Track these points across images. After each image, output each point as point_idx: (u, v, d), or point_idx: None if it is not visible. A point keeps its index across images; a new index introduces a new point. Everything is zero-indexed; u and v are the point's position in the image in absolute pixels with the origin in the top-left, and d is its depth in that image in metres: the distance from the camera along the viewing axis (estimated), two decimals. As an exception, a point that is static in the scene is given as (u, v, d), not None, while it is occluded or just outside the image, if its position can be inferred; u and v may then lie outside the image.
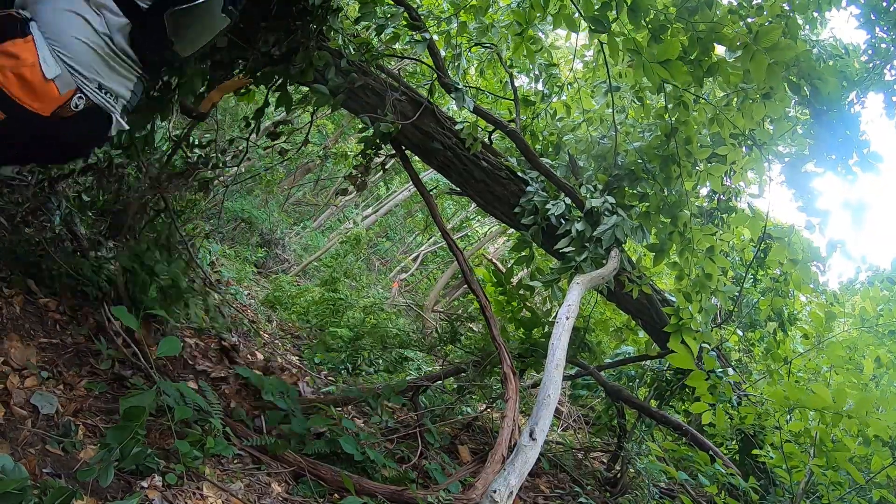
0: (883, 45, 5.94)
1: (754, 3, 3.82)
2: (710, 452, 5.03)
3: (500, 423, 4.05)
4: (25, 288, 3.99)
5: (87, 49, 2.26)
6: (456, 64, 5.33)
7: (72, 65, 2.22)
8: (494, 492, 2.34)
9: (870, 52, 6.05)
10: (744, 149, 4.83)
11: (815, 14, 4.25)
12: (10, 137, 2.22)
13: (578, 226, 4.72)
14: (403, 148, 5.11)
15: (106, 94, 2.35)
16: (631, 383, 6.08)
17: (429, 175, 13.06)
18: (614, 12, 3.85)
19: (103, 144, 2.80)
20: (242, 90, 4.64)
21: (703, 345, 5.22)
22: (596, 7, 3.87)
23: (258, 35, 4.09)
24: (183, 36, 2.48)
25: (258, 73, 4.25)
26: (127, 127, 2.58)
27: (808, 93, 3.89)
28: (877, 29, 5.87)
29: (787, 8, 3.73)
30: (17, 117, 2.13)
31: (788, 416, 4.42)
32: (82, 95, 2.25)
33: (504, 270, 5.94)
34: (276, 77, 4.33)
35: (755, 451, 4.82)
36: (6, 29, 2.11)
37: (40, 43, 2.13)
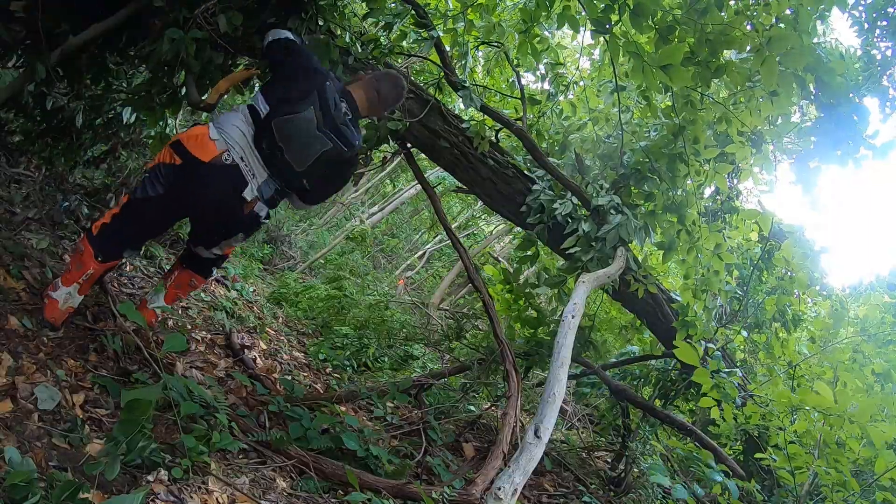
0: (879, 53, 5.93)
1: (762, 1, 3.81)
2: (715, 453, 5.03)
3: (502, 420, 4.06)
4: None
5: (240, 134, 3.37)
6: (463, 62, 5.34)
7: (227, 138, 3.34)
8: (499, 489, 2.35)
9: (866, 58, 6.06)
10: (751, 147, 4.82)
11: (817, 18, 4.24)
12: (182, 176, 3.31)
13: (585, 226, 4.71)
14: (409, 146, 5.12)
15: (245, 164, 3.37)
16: (635, 382, 6.07)
17: (435, 173, 13.06)
18: (617, 15, 3.84)
19: (242, 211, 3.50)
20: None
21: (709, 344, 5.22)
22: (600, 9, 3.87)
23: (262, 22, 4.12)
24: (289, 145, 3.38)
25: (262, 62, 4.27)
26: (265, 216, 3.64)
27: (813, 90, 3.88)
28: (875, 37, 5.87)
29: (790, 12, 3.71)
30: (188, 161, 3.28)
31: (792, 417, 4.41)
32: (229, 156, 3.33)
33: (511, 269, 5.95)
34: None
35: (758, 455, 4.82)
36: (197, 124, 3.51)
37: (211, 126, 3.37)
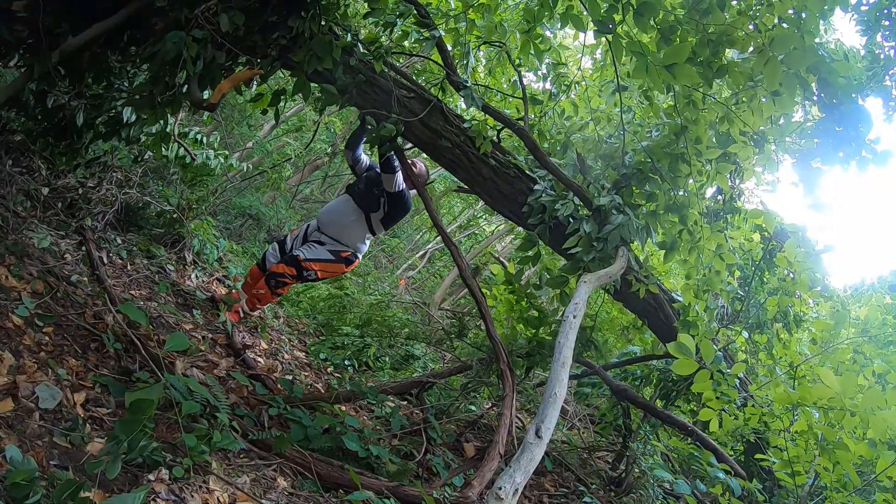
0: (882, 53, 5.92)
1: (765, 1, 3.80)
2: (716, 454, 5.03)
3: (498, 420, 4.06)
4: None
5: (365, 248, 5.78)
6: (464, 62, 5.33)
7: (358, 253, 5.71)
8: (500, 489, 2.35)
9: (869, 58, 6.05)
10: (753, 146, 4.81)
11: (819, 18, 4.23)
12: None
13: (586, 226, 4.70)
14: (410, 145, 5.13)
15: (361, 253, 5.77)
16: (636, 383, 6.07)
17: (437, 173, 13.05)
18: (620, 14, 3.83)
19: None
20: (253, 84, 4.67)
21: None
22: (603, 9, 3.86)
23: (262, 21, 4.12)
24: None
25: (264, 61, 4.27)
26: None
27: (815, 90, 3.87)
28: (878, 36, 5.86)
29: (792, 13, 3.70)
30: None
31: (794, 417, 4.40)
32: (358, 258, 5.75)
33: (513, 270, 5.94)
34: (277, 62, 4.36)
35: (759, 456, 4.81)
36: (353, 260, 5.67)
37: (358, 257, 5.75)
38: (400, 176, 5.29)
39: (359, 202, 5.50)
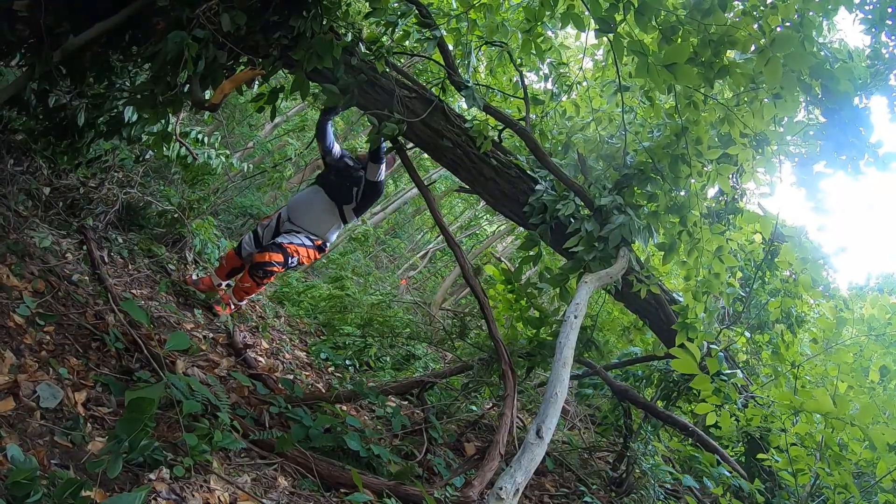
0: (886, 51, 5.90)
1: (768, 2, 3.79)
2: (717, 454, 5.02)
3: (499, 421, 4.05)
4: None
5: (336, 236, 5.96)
6: (466, 62, 5.33)
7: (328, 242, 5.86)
8: (501, 489, 2.34)
9: (873, 56, 6.03)
10: (755, 148, 4.80)
11: (823, 19, 4.21)
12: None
13: (588, 225, 4.70)
14: (411, 144, 5.12)
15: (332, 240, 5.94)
16: (637, 383, 6.06)
17: (438, 172, 13.05)
18: (622, 13, 3.82)
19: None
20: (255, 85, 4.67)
21: (712, 346, 5.20)
22: (604, 8, 3.86)
23: (264, 21, 4.12)
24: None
25: (265, 61, 4.27)
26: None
27: (819, 93, 3.86)
28: (882, 35, 5.84)
29: (798, 9, 3.68)
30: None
31: (795, 419, 4.40)
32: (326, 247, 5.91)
33: (513, 269, 5.94)
34: (278, 62, 4.36)
35: (760, 455, 4.81)
36: (324, 248, 5.82)
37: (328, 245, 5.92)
38: (384, 166, 5.41)
39: (330, 194, 5.59)
